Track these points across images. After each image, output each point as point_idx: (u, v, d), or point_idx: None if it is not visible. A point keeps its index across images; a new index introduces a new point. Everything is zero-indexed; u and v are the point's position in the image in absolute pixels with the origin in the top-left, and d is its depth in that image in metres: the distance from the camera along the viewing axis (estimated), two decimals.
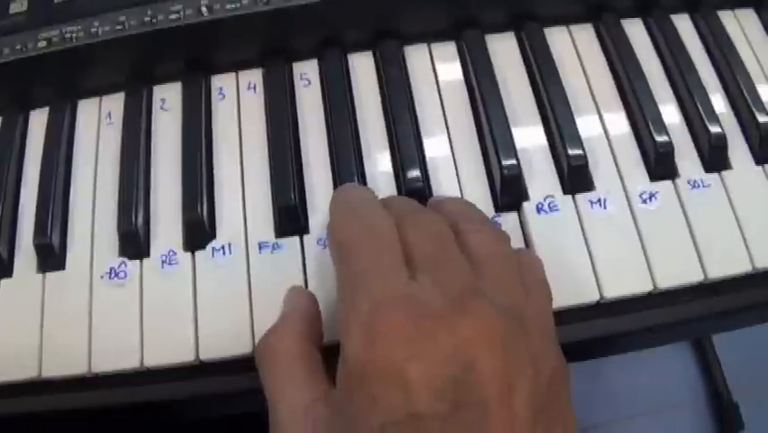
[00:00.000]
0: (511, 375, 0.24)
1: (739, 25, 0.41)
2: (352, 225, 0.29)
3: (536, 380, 0.25)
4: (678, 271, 0.34)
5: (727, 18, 0.41)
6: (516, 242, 0.34)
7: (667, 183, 0.36)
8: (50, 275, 0.36)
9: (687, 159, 0.37)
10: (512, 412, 0.24)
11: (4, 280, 0.36)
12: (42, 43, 0.38)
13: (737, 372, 0.91)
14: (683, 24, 0.41)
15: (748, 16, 0.42)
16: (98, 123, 0.39)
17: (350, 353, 0.25)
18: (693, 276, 0.34)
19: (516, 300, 0.27)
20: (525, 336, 0.26)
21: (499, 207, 0.35)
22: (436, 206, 0.32)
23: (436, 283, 0.26)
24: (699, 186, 0.36)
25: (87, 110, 0.40)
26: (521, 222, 0.35)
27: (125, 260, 0.35)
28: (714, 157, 0.36)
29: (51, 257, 0.36)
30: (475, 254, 0.28)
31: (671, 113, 0.38)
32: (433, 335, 0.24)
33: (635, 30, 0.41)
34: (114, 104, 0.39)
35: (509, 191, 0.35)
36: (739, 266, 0.34)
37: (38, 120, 0.40)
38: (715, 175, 0.36)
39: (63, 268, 0.36)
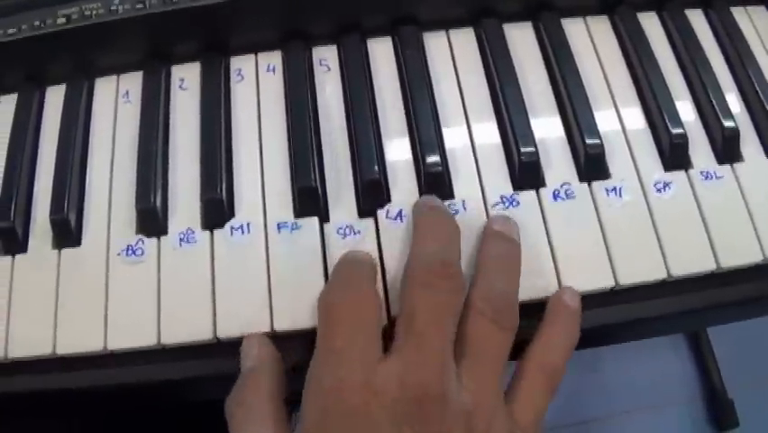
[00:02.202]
0: None
1: (751, 22, 0.42)
2: (344, 296, 0.30)
3: None
4: (691, 260, 0.34)
5: (740, 14, 0.42)
6: (535, 225, 0.34)
7: (681, 173, 0.36)
8: (66, 252, 0.36)
9: (700, 150, 0.37)
10: None
11: (19, 256, 0.36)
12: (61, 20, 0.38)
13: (733, 368, 0.92)
14: (697, 19, 0.41)
15: (760, 13, 0.42)
16: (116, 100, 0.39)
17: (305, 425, 0.28)
18: (706, 265, 0.34)
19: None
20: None
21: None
22: (486, 238, 0.33)
23: (405, 369, 0.28)
24: (711, 177, 0.36)
25: (105, 88, 0.40)
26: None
27: (143, 237, 0.35)
28: (727, 149, 0.37)
29: (67, 233, 0.36)
30: (468, 341, 0.30)
31: (684, 105, 0.38)
32: (377, 423, 0.27)
33: (650, 23, 0.41)
34: (132, 82, 0.39)
35: (527, 177, 0.35)
36: (750, 256, 0.35)
37: (54, 97, 0.40)
38: (727, 167, 0.37)
39: (79, 244, 0.36)
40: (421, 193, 0.35)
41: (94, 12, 0.38)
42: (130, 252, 0.35)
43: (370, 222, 0.35)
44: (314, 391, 0.28)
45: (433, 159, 0.35)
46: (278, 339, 0.33)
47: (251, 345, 0.32)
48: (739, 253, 0.35)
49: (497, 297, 0.30)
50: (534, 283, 0.33)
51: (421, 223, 0.32)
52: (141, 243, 0.35)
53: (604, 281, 0.34)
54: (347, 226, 0.34)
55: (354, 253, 0.33)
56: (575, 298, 0.33)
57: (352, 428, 0.27)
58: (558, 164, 0.36)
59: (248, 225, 0.35)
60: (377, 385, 0.27)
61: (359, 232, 0.34)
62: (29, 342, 0.34)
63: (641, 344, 0.71)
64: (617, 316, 0.34)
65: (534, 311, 0.33)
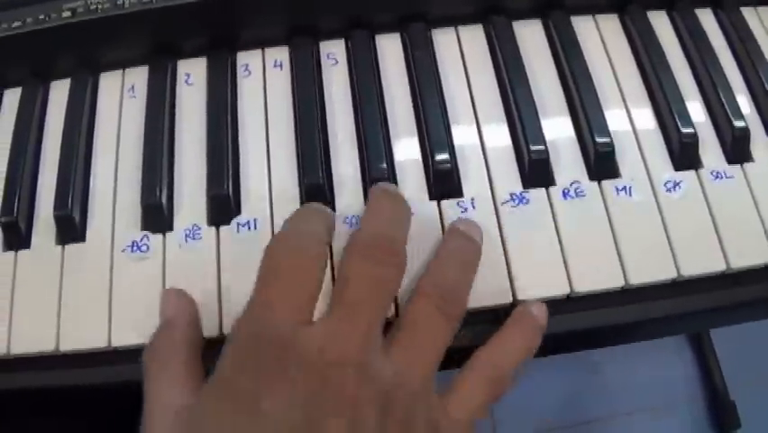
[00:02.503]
0: None
1: (761, 22, 0.42)
2: (289, 251, 0.30)
3: None
4: (701, 260, 0.34)
5: (750, 14, 0.41)
6: (544, 223, 0.34)
7: (691, 173, 0.36)
8: (70, 247, 0.35)
9: (710, 150, 0.37)
10: None
11: (22, 252, 0.35)
12: (67, 13, 0.37)
13: (735, 370, 0.92)
14: (707, 19, 0.41)
15: None
16: (121, 95, 0.39)
17: (221, 369, 0.27)
18: (716, 265, 0.34)
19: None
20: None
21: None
22: (447, 234, 0.33)
23: (328, 334, 0.27)
24: (721, 177, 0.36)
25: (110, 83, 0.39)
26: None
27: (148, 233, 0.35)
28: (737, 149, 0.37)
29: (71, 229, 0.35)
30: (407, 320, 0.29)
31: (694, 105, 0.38)
32: (293, 382, 0.26)
33: (660, 22, 0.41)
34: (138, 77, 0.39)
35: (537, 176, 0.35)
36: (760, 257, 0.34)
37: (59, 91, 0.39)
38: (737, 167, 0.36)
39: (83, 240, 0.35)
40: (430, 190, 0.35)
41: (99, 6, 0.37)
42: (135, 248, 0.35)
43: None
44: (235, 338, 0.28)
45: (442, 156, 0.35)
46: None
47: (168, 297, 0.32)
48: (749, 253, 0.34)
49: (446, 285, 0.31)
50: (544, 281, 0.33)
51: (373, 202, 0.32)
52: (146, 239, 0.35)
53: (614, 281, 0.33)
54: (354, 222, 0.34)
55: (316, 205, 0.33)
56: (542, 312, 0.32)
57: (263, 382, 0.26)
58: (568, 162, 0.36)
59: (254, 221, 0.34)
60: (297, 345, 0.27)
61: None
62: (32, 338, 0.34)
63: (643, 345, 0.71)
64: (626, 316, 0.34)
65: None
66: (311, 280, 0.29)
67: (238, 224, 0.34)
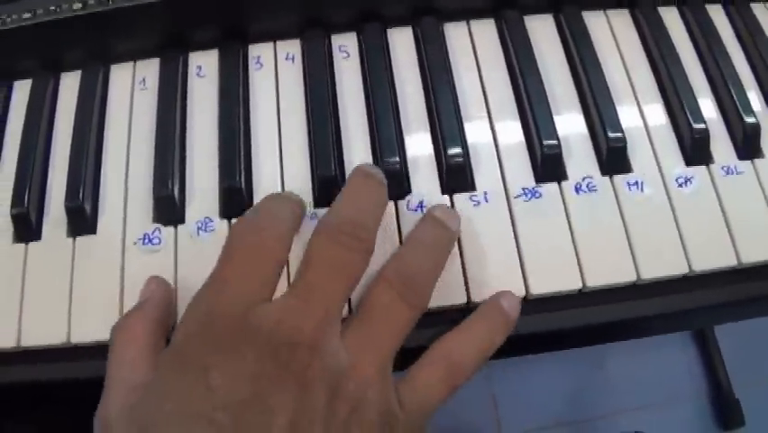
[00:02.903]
0: (299, 421, 0.25)
1: None
2: (253, 231, 0.30)
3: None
4: (713, 255, 0.34)
5: (760, 10, 0.41)
6: (557, 218, 0.34)
7: (702, 168, 0.36)
8: (81, 239, 0.35)
9: (721, 145, 0.37)
10: None
11: (33, 244, 0.35)
12: (77, 5, 0.37)
13: (739, 367, 0.92)
14: (717, 14, 0.41)
15: None
16: (132, 87, 0.39)
17: (174, 341, 0.28)
18: (727, 260, 0.34)
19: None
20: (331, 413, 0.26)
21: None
22: (421, 220, 0.33)
23: (284, 312, 0.27)
24: (732, 172, 0.36)
25: (121, 74, 0.39)
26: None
27: (160, 226, 0.35)
28: (748, 145, 0.37)
29: (83, 221, 0.35)
30: (366, 305, 0.29)
31: (705, 100, 0.38)
32: (243, 356, 0.26)
33: (670, 17, 0.41)
34: (149, 69, 0.39)
35: (549, 170, 0.35)
36: None
37: (69, 83, 0.39)
38: (748, 162, 0.36)
39: (94, 232, 0.35)
40: (442, 185, 0.35)
41: None
42: (146, 240, 0.34)
43: (389, 205, 0.34)
44: (190, 312, 0.29)
45: (454, 150, 0.35)
46: None
47: (147, 283, 0.33)
48: (760, 248, 0.34)
49: (411, 272, 0.30)
50: (556, 276, 0.33)
51: (350, 184, 0.32)
52: (157, 231, 0.35)
53: (626, 276, 0.33)
54: None
55: (288, 192, 0.33)
56: (513, 305, 0.32)
57: (213, 355, 0.26)
58: (580, 157, 0.36)
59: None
60: (250, 321, 0.27)
61: None
62: (42, 330, 0.33)
63: (647, 341, 0.71)
64: (638, 310, 0.34)
65: (549, 307, 0.33)
66: (270, 260, 0.29)
67: None
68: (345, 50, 0.39)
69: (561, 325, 0.34)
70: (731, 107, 0.37)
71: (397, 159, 0.35)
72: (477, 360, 0.30)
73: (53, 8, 0.38)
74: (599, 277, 0.33)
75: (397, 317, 0.29)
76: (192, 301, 0.29)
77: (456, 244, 0.33)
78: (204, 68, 0.39)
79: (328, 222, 0.30)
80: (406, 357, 0.30)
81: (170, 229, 0.35)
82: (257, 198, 0.35)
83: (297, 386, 0.26)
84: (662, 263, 0.34)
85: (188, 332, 0.28)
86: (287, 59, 0.39)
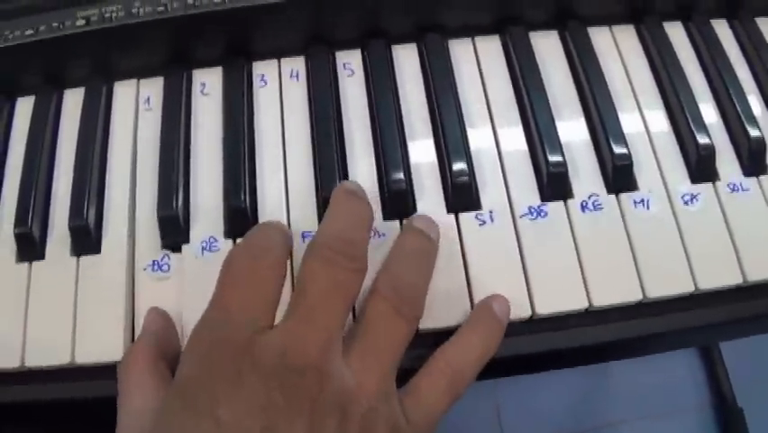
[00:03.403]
0: None
1: None
2: (249, 257, 0.30)
3: None
4: (718, 274, 0.34)
5: (766, 25, 0.41)
6: (563, 236, 0.34)
7: (708, 186, 0.36)
8: (85, 259, 0.35)
9: (726, 162, 0.37)
10: None
11: (37, 263, 0.35)
12: (81, 22, 0.37)
13: (743, 376, 0.92)
14: (722, 30, 0.41)
15: None
16: (136, 105, 0.39)
17: (180, 375, 0.28)
18: (732, 279, 0.34)
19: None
20: None
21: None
22: (404, 232, 0.33)
23: (287, 339, 0.27)
24: (738, 189, 0.36)
25: (124, 92, 0.39)
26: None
27: (168, 253, 0.35)
28: (754, 161, 0.37)
29: (87, 240, 0.35)
30: (364, 322, 0.29)
31: (710, 116, 0.38)
32: (250, 388, 0.26)
33: (676, 33, 0.41)
34: (153, 86, 0.39)
35: (555, 188, 0.35)
36: None
37: (73, 100, 0.39)
38: (754, 179, 0.36)
39: (98, 252, 0.35)
40: (447, 203, 0.35)
41: (114, 14, 0.37)
42: (156, 267, 0.34)
43: (395, 224, 0.34)
44: (192, 344, 0.28)
45: (460, 168, 0.35)
46: None
47: (149, 314, 0.33)
48: (765, 266, 0.34)
49: (404, 285, 0.30)
50: (562, 295, 0.33)
51: (334, 203, 0.32)
52: (166, 258, 0.35)
53: (632, 295, 0.33)
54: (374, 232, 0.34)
55: (272, 221, 0.33)
56: (504, 309, 0.32)
57: (219, 388, 0.26)
58: (585, 175, 0.36)
59: None
60: (254, 350, 0.27)
61: (384, 235, 0.34)
62: (47, 350, 0.33)
63: None
64: (643, 329, 0.34)
65: (555, 326, 0.33)
66: (269, 286, 0.29)
67: None
68: (350, 67, 0.39)
69: (567, 344, 0.33)
70: (736, 124, 0.37)
71: (403, 177, 0.35)
72: (476, 366, 0.31)
73: (56, 25, 0.37)
74: (605, 296, 0.33)
75: (396, 330, 0.29)
76: (194, 331, 0.29)
77: (462, 263, 0.33)
78: (207, 85, 0.39)
79: (319, 242, 0.30)
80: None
81: (179, 255, 0.35)
82: (261, 218, 0.35)
83: (307, 414, 0.26)
84: (669, 282, 0.34)
85: (193, 364, 0.28)
86: (291, 76, 0.39)
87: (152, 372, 0.30)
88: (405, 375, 0.30)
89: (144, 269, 0.34)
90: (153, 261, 0.34)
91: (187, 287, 0.34)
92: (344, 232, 0.30)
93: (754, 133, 0.37)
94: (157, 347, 0.31)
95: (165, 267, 0.34)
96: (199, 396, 0.26)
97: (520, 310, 0.33)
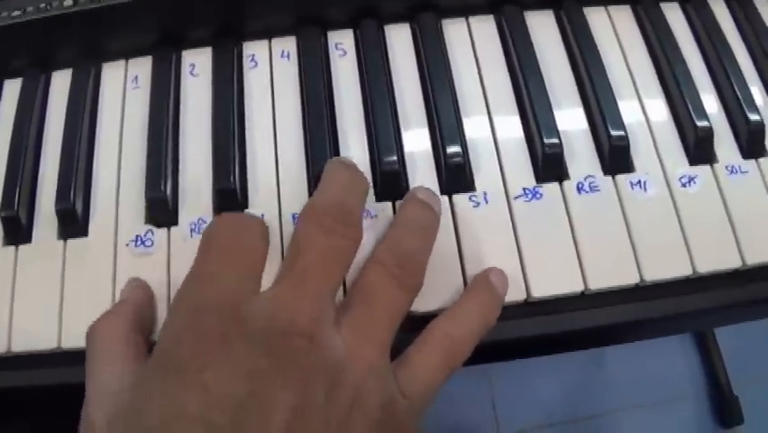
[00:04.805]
0: (298, 417, 0.24)
1: None
2: (226, 226, 0.29)
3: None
4: (717, 257, 0.34)
5: (763, 6, 0.41)
6: (558, 218, 0.33)
7: (706, 168, 0.35)
8: (72, 242, 0.34)
9: (724, 144, 0.36)
10: None
11: (23, 246, 0.35)
12: (68, 2, 0.36)
13: (738, 365, 0.92)
14: (720, 11, 0.40)
15: None
16: (124, 86, 0.38)
17: (162, 341, 0.27)
18: (731, 262, 0.33)
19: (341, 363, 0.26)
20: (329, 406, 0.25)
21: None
22: (406, 202, 0.32)
23: (277, 303, 0.26)
24: (736, 171, 0.35)
25: (113, 73, 0.39)
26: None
27: (152, 228, 0.34)
28: (752, 144, 0.36)
29: (74, 223, 0.34)
30: (360, 289, 0.28)
31: (708, 98, 0.37)
32: (237, 353, 0.25)
33: (673, 14, 0.40)
34: (141, 67, 0.38)
35: (551, 170, 0.34)
36: None
37: (60, 82, 0.39)
38: (752, 162, 0.36)
39: (86, 235, 0.35)
40: (441, 184, 0.34)
41: None
42: (139, 243, 0.34)
43: (387, 205, 0.34)
44: (175, 311, 0.27)
45: (454, 149, 0.34)
46: None
47: (130, 283, 0.32)
48: (764, 249, 0.34)
49: (403, 253, 0.29)
50: (558, 278, 0.32)
51: (329, 171, 0.31)
52: (150, 233, 0.34)
53: (629, 278, 0.33)
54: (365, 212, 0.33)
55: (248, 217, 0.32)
56: (502, 281, 0.31)
57: (205, 353, 0.25)
58: (582, 156, 0.35)
59: (262, 215, 0.34)
60: (240, 314, 0.26)
61: (376, 216, 0.33)
62: (33, 335, 0.33)
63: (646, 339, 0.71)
64: (640, 313, 0.33)
65: (551, 309, 0.33)
66: (253, 252, 0.28)
67: None
68: (342, 47, 0.38)
69: (562, 328, 0.33)
70: (735, 105, 0.37)
71: (396, 158, 0.34)
72: (473, 339, 0.30)
73: (44, 5, 0.37)
74: (602, 279, 0.33)
75: (394, 300, 0.28)
76: (176, 298, 0.28)
77: (456, 244, 0.33)
78: (197, 66, 0.38)
79: (313, 207, 0.29)
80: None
81: (163, 231, 0.34)
82: (252, 199, 0.34)
83: (295, 381, 0.25)
84: (666, 265, 0.33)
85: (177, 330, 0.27)
86: (282, 56, 0.38)
87: (127, 341, 0.29)
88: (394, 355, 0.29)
89: (127, 244, 0.34)
90: (137, 236, 0.34)
91: (175, 269, 0.33)
92: (341, 199, 0.29)
93: (753, 116, 0.36)
94: (134, 317, 0.30)
95: (148, 242, 0.33)
96: (184, 361, 0.25)
97: (515, 293, 0.32)
